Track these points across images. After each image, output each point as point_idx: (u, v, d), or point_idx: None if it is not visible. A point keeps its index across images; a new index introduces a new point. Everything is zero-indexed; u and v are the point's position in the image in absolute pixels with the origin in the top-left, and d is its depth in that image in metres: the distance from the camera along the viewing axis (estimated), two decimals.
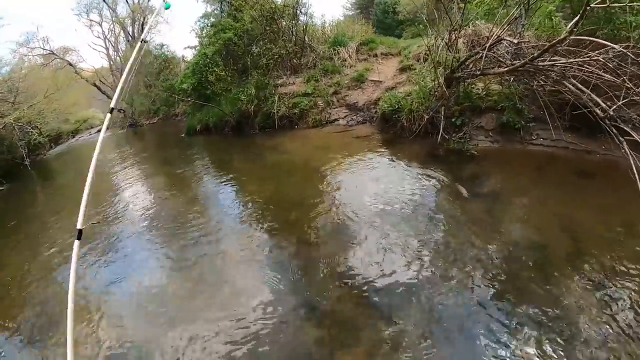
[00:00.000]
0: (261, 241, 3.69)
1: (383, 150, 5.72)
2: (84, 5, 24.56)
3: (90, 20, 25.12)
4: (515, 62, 4.66)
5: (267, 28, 9.80)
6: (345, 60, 9.97)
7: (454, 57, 5.44)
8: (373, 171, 4.97)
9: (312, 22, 10.65)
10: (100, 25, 25.05)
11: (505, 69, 4.64)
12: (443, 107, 5.54)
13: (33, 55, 24.60)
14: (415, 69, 8.09)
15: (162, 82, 15.84)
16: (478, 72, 5.06)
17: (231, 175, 5.96)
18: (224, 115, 9.68)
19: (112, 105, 2.44)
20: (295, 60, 9.85)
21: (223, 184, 5.74)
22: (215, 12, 11.99)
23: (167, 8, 2.73)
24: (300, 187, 4.92)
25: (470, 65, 5.36)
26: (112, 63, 24.98)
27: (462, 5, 5.63)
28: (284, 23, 10.07)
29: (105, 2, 23.61)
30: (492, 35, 5.02)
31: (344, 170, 5.15)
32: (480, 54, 4.95)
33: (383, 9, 15.68)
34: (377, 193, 4.19)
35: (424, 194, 4.10)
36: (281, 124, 8.45)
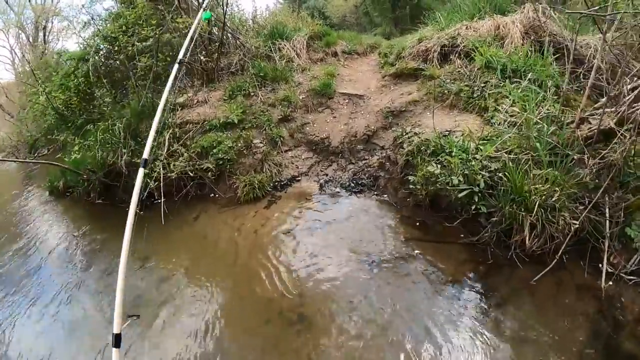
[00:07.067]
0: None
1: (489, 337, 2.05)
2: None
3: None
4: None
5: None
6: (292, 61, 6.08)
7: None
8: None
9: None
10: (6, 33, 17.71)
11: None
12: (607, 196, 2.19)
13: None
14: (427, 74, 4.63)
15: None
16: None
17: None
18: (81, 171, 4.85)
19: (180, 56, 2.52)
20: (210, 63, 5.44)
21: None
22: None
23: (206, 18, 3.07)
24: None
25: None
26: (18, 76, 17.79)
27: None
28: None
29: (8, 5, 16.51)
30: None
31: None
32: None
33: (311, 13, 14.78)
34: None
35: None
36: (177, 193, 4.08)
